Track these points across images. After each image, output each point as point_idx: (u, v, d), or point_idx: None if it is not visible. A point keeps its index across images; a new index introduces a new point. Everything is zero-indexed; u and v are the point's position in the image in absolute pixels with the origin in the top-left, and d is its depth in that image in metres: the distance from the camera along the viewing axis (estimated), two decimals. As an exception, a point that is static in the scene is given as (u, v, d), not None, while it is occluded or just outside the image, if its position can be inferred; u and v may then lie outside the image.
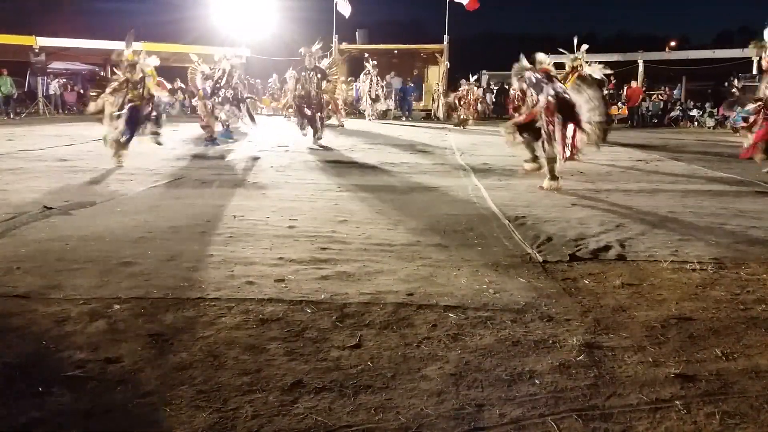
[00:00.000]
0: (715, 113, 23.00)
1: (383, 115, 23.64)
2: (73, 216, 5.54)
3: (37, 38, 23.21)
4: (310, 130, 12.87)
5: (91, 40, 26.32)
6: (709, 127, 22.72)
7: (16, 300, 3.33)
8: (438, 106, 25.25)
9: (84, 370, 2.54)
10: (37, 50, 23.12)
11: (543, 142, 7.46)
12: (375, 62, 23.12)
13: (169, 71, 30.20)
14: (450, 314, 3.22)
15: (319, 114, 12.83)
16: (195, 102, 13.56)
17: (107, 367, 2.56)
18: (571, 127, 7.92)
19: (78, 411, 2.23)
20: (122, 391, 2.37)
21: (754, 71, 23.63)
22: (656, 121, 25.33)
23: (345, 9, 26.73)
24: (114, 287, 3.56)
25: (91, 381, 2.44)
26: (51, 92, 24.48)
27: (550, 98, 7.34)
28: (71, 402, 2.28)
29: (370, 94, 23.12)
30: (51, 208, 5.76)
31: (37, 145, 11.78)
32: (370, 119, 22.91)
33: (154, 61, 9.61)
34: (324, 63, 13.27)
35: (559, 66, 10.77)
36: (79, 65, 29.50)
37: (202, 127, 12.75)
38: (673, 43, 36.95)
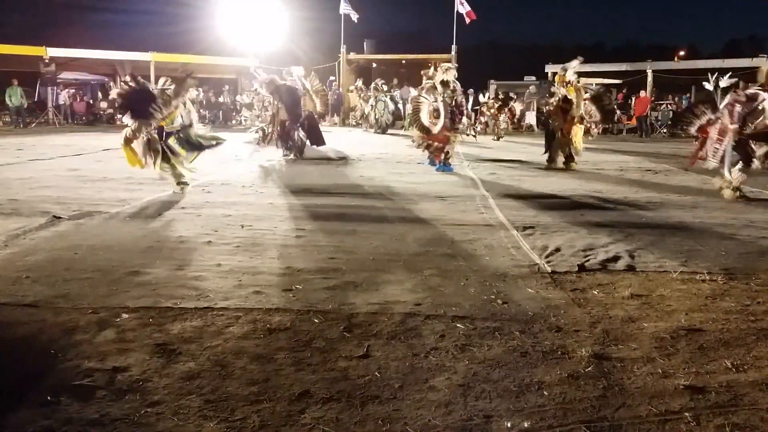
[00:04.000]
0: None
1: (383, 125, 23.00)
2: (82, 225, 5.57)
3: (48, 49, 23.41)
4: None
5: (100, 50, 26.55)
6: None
7: (25, 309, 3.35)
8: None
9: (92, 379, 2.54)
10: (47, 60, 23.30)
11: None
12: (360, 81, 23.57)
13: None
14: (458, 324, 3.21)
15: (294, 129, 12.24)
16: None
17: (115, 377, 2.56)
18: None
19: (86, 420, 2.23)
20: (130, 400, 2.37)
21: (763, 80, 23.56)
22: (665, 131, 25.26)
23: (352, 13, 27.06)
24: (122, 296, 3.57)
25: (100, 390, 2.45)
26: (61, 102, 24.65)
27: None
28: (79, 411, 2.29)
29: (364, 108, 23.13)
30: (60, 218, 5.80)
31: (46, 154, 11.85)
32: (371, 131, 22.86)
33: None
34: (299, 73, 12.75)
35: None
36: (89, 75, 29.72)
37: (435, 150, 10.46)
38: (682, 53, 36.92)
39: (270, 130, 12.72)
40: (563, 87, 10.85)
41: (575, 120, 10.86)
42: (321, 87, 13.77)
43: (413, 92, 25.16)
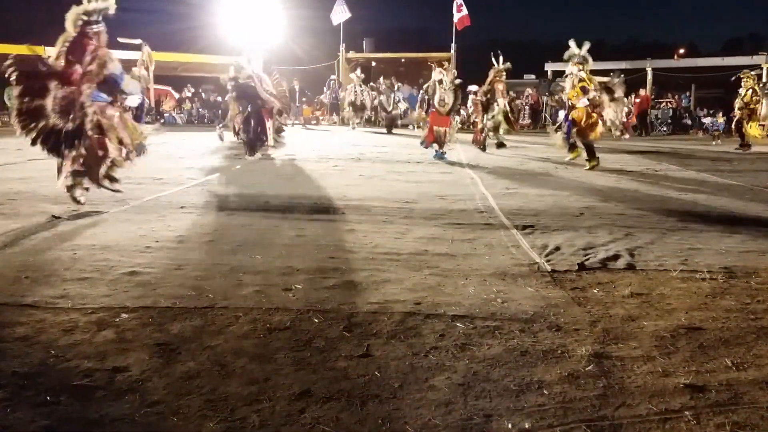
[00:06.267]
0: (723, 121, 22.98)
1: (371, 122, 22.74)
2: (81, 225, 5.57)
3: (47, 48, 23.41)
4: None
5: (100, 49, 26.50)
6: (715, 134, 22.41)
7: (25, 309, 3.34)
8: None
9: (92, 379, 2.54)
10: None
11: None
12: (361, 74, 23.34)
13: (179, 80, 30.49)
14: (458, 324, 3.21)
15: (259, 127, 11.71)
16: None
17: (115, 377, 2.56)
18: None
19: (86, 420, 2.23)
20: (130, 400, 2.37)
21: (764, 78, 23.59)
22: (665, 129, 25.27)
23: (340, 16, 27.03)
24: (122, 296, 3.57)
25: (99, 390, 2.44)
26: (60, 101, 24.65)
27: None
28: (79, 411, 2.28)
29: (355, 102, 22.98)
30: (59, 218, 5.80)
31: (46, 154, 11.82)
32: (353, 127, 22.78)
33: None
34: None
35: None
36: (88, 74, 29.71)
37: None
38: (681, 51, 36.84)
39: (237, 126, 12.80)
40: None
41: (595, 116, 10.70)
42: (277, 81, 12.52)
43: (405, 91, 25.31)
